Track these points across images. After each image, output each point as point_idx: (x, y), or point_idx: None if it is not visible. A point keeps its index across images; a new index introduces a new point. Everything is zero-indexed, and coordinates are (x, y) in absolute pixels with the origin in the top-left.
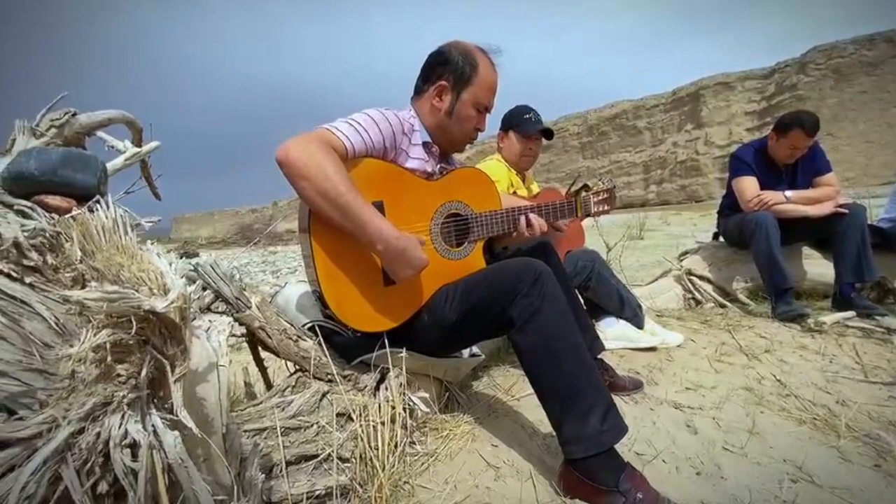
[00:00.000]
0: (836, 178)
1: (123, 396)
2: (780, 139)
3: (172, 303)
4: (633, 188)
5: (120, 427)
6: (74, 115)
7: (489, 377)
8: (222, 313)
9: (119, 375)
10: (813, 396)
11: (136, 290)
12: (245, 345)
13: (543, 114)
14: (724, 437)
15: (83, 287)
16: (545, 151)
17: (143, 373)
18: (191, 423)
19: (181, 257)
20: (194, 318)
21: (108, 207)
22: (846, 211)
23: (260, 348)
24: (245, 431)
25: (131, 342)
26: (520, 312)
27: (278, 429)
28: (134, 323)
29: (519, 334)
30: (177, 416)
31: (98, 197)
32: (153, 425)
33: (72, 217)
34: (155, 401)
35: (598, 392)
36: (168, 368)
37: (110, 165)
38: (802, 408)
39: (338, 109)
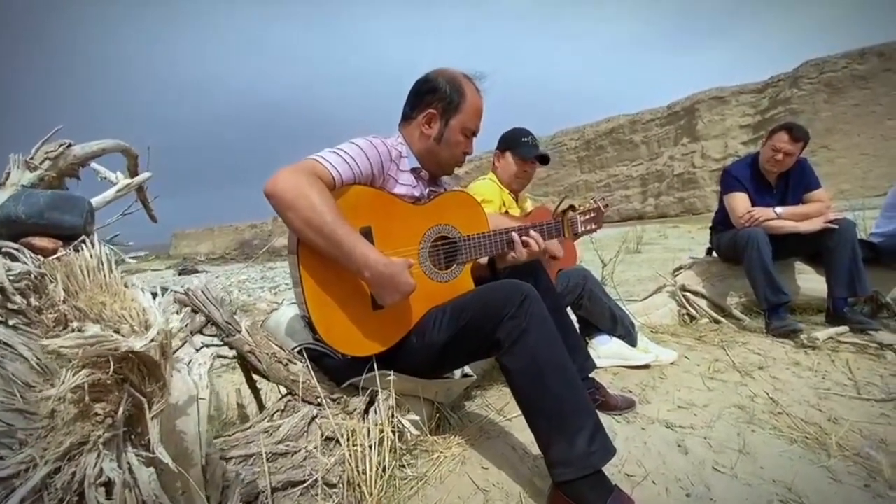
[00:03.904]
0: (825, 194)
1: (99, 436)
2: (765, 143)
3: (152, 341)
4: (630, 201)
5: (95, 466)
6: (69, 146)
7: (482, 397)
8: (213, 336)
9: (97, 414)
10: (805, 414)
11: (118, 329)
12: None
13: (541, 128)
14: (715, 457)
15: (65, 327)
16: (542, 166)
17: (121, 411)
18: (167, 459)
19: (179, 274)
20: (183, 344)
21: (93, 247)
22: (836, 226)
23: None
24: (231, 458)
25: (109, 381)
26: (507, 334)
27: (264, 455)
28: (112, 363)
29: (506, 356)
30: (153, 452)
31: (84, 237)
32: (128, 462)
33: (57, 258)
34: (132, 437)
35: (586, 413)
36: (146, 406)
37: (101, 197)
38: (794, 426)
39: (338, 119)
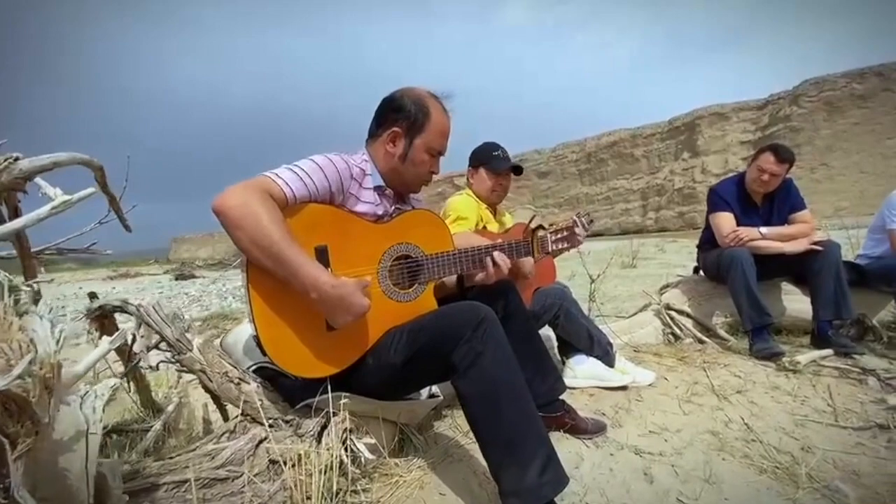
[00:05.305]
0: (811, 215)
1: None
2: (752, 163)
3: (18, 378)
4: (631, 215)
5: None
6: (16, 160)
7: (452, 418)
8: (167, 351)
9: None
10: (778, 442)
11: None
12: None
13: (542, 140)
14: (680, 487)
15: None
16: (544, 178)
17: None
18: (29, 503)
19: (176, 279)
20: (138, 362)
21: None
22: (821, 248)
23: None
24: (163, 484)
25: None
26: (462, 357)
27: (193, 484)
28: None
29: (461, 380)
30: (13, 495)
31: None
32: None
33: None
34: None
35: (539, 442)
36: (7, 447)
37: (35, 214)
38: (765, 454)
39: (338, 124)
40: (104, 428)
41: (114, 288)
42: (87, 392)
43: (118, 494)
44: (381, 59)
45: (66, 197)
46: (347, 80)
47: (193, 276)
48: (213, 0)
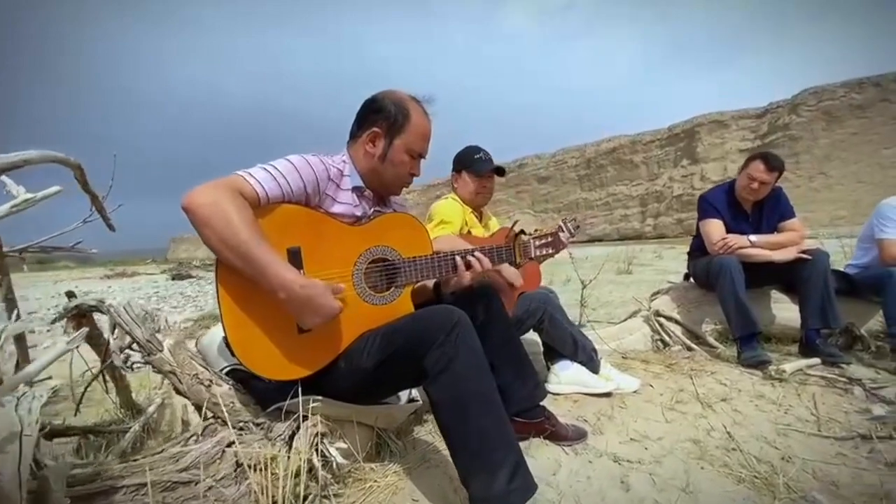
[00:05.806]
0: (800, 224)
1: None
2: (742, 171)
3: None
4: (629, 221)
5: None
6: None
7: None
8: (139, 352)
9: None
10: (759, 451)
11: None
12: None
13: (542, 146)
14: (656, 496)
15: None
16: (544, 183)
17: None
18: None
19: (172, 279)
20: (110, 362)
21: None
22: (809, 257)
23: None
24: (122, 487)
25: None
26: (434, 363)
27: (150, 488)
28: None
29: (432, 385)
30: None
31: None
32: None
33: None
34: None
35: (508, 448)
36: None
37: None
38: (745, 464)
39: (337, 123)
40: (41, 428)
41: (109, 287)
42: (25, 393)
43: (59, 497)
44: (381, 60)
45: (29, 195)
46: (347, 80)
47: (190, 276)
48: (213, 0)
